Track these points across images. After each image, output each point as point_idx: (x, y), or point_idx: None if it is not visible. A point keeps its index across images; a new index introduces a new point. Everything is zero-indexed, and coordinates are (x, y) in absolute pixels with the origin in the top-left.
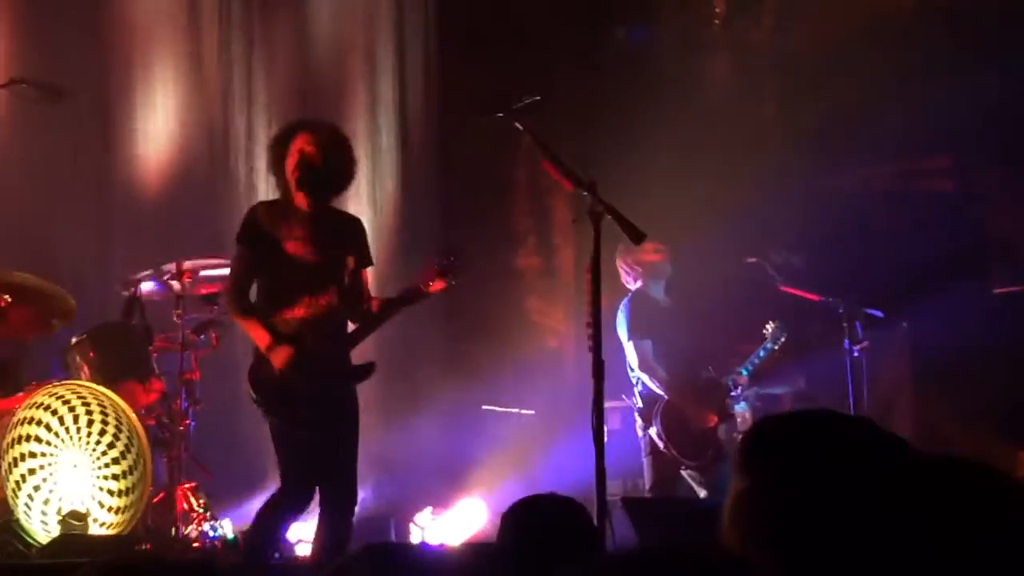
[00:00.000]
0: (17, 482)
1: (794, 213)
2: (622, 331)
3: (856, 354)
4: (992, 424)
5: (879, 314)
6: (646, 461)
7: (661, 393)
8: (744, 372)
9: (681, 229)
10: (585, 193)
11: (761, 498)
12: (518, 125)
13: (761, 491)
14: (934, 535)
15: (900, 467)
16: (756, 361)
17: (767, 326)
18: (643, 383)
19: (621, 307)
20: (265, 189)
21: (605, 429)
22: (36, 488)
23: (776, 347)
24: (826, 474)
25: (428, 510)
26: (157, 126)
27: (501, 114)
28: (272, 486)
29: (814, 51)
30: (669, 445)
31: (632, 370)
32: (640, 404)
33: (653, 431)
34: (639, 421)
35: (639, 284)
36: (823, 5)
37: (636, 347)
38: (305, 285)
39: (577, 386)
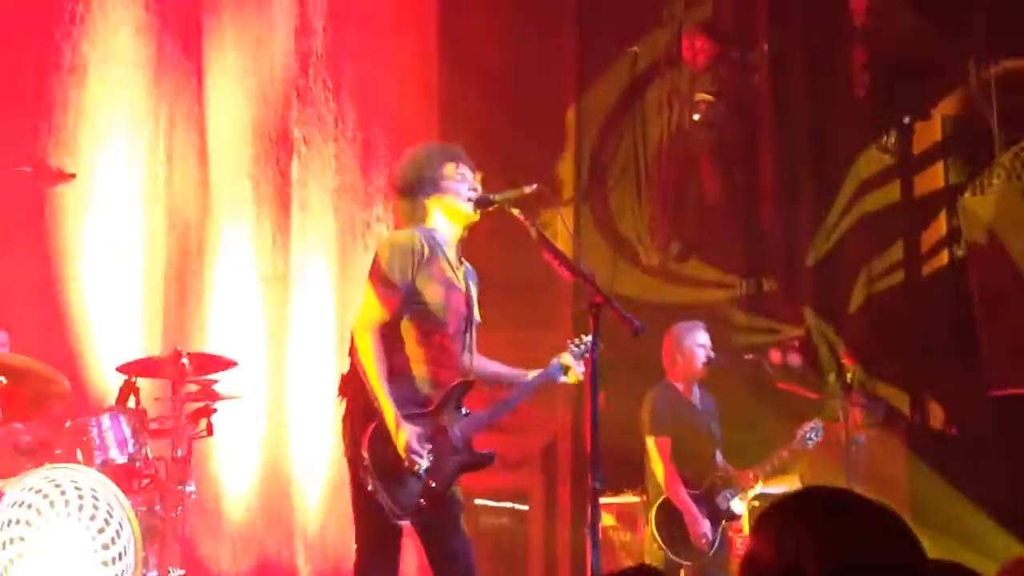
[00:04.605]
0: (6, 567)
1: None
2: (645, 422)
3: (853, 449)
4: (994, 517)
5: (879, 408)
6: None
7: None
8: (760, 472)
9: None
10: (585, 283)
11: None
12: (515, 212)
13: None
14: None
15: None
16: (777, 462)
17: (804, 426)
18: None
19: (647, 398)
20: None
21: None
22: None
23: (810, 446)
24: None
25: None
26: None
27: (495, 204)
28: None
29: None
30: (663, 543)
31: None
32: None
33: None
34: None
35: (674, 376)
36: None
37: (658, 443)
38: (452, 336)
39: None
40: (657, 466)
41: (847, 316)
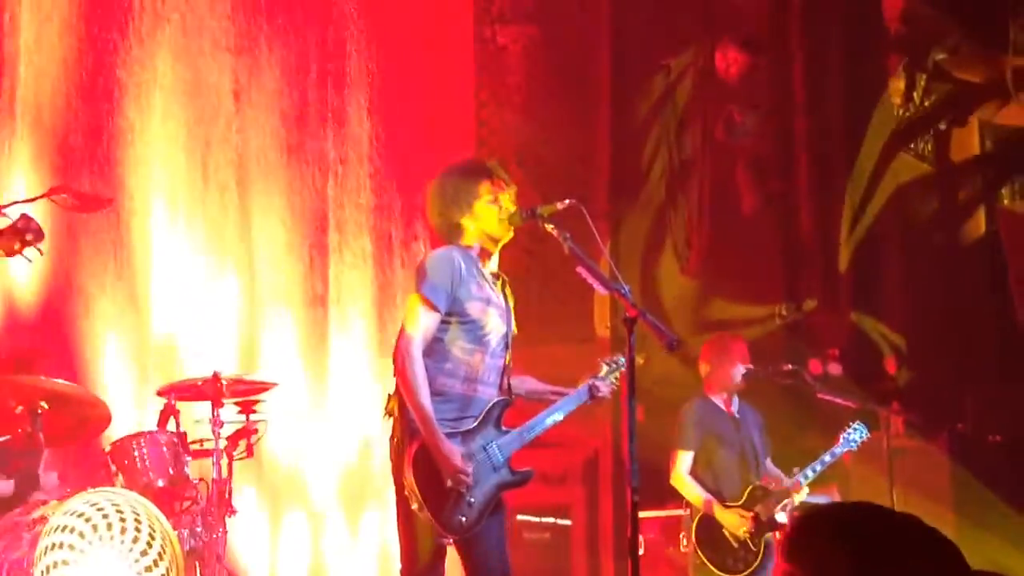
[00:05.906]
0: None
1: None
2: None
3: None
4: None
5: (919, 419)
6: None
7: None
8: (804, 479)
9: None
10: (619, 297)
11: None
12: (549, 228)
13: None
14: None
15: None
16: (821, 467)
17: (849, 426)
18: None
19: (681, 412)
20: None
21: (641, 539)
22: None
23: (855, 449)
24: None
25: None
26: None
27: (529, 219)
28: None
29: None
30: (706, 561)
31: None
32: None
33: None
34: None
35: (712, 389)
36: None
37: (680, 457)
38: (492, 352)
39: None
40: (676, 479)
41: (888, 310)
